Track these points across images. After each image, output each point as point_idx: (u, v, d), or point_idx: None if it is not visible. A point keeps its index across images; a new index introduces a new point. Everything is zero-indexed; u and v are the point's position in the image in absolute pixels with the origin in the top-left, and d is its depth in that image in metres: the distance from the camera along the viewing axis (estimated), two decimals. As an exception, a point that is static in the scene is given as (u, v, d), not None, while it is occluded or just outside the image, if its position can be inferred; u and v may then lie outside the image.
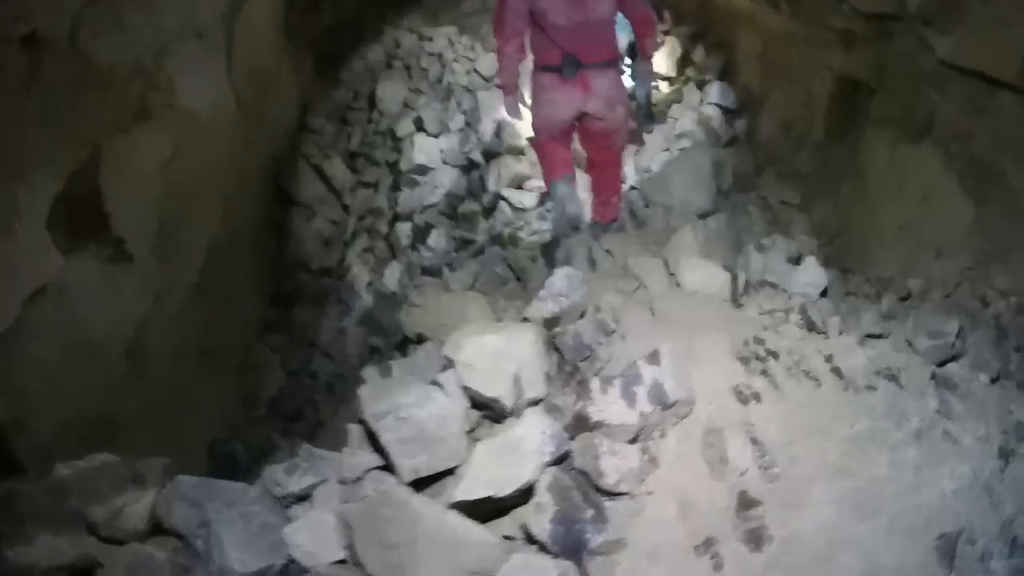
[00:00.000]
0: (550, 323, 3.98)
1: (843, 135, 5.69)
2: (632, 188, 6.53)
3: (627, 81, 5.94)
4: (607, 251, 5.26)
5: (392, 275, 7.14)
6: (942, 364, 3.81)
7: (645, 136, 7.16)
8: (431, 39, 9.32)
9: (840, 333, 4.08)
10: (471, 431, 3.35)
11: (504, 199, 6.97)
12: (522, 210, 6.85)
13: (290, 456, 3.38)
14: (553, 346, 3.85)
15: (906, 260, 4.69)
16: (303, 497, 3.04)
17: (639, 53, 5.60)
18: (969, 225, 4.29)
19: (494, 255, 6.22)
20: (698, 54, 7.83)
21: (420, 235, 7.31)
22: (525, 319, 3.97)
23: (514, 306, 4.96)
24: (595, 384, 3.55)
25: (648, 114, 7.25)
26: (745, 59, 7.35)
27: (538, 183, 6.60)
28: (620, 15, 5.17)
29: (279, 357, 6.69)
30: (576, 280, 4.21)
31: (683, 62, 7.98)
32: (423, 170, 7.77)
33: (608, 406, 3.40)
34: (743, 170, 6.55)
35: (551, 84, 5.10)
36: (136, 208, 4.38)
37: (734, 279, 4.60)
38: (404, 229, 7.53)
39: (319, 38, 8.75)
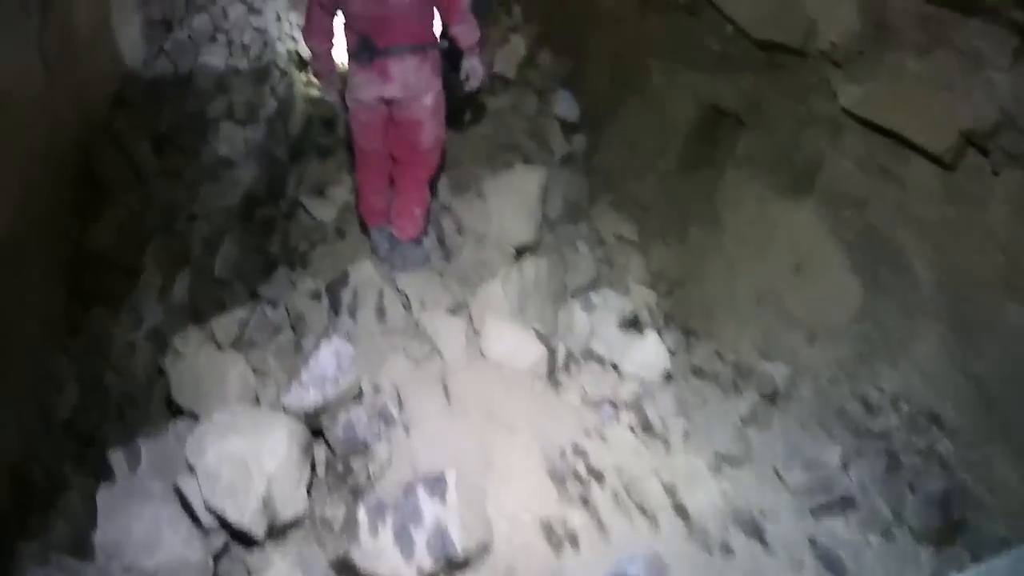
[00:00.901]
0: (312, 417, 3.58)
1: (698, 169, 4.94)
2: (443, 208, 5.42)
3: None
4: (403, 294, 4.60)
5: (182, 284, 6.09)
6: (820, 513, 3.04)
7: (462, 147, 6.05)
8: (260, 12, 8.41)
9: (686, 438, 3.17)
10: (217, 557, 3.04)
11: (304, 207, 5.86)
12: (321, 223, 5.71)
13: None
14: (320, 436, 3.53)
15: (766, 338, 3.95)
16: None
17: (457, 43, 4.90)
18: (855, 309, 3.60)
19: (272, 293, 5.34)
20: (544, 57, 6.71)
21: (213, 241, 6.20)
22: (284, 408, 3.56)
23: (283, 368, 4.45)
24: (363, 517, 3.07)
25: (469, 104, 6.21)
26: (595, 67, 6.27)
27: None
28: None
29: (75, 368, 5.74)
30: (346, 359, 3.75)
31: (526, 64, 6.82)
32: (227, 163, 6.63)
33: (378, 554, 2.93)
34: (575, 196, 5.60)
35: (353, 70, 4.77)
36: None
37: (552, 353, 3.99)
38: (201, 230, 6.42)
39: (149, -1, 7.74)
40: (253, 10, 8.42)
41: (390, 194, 5.19)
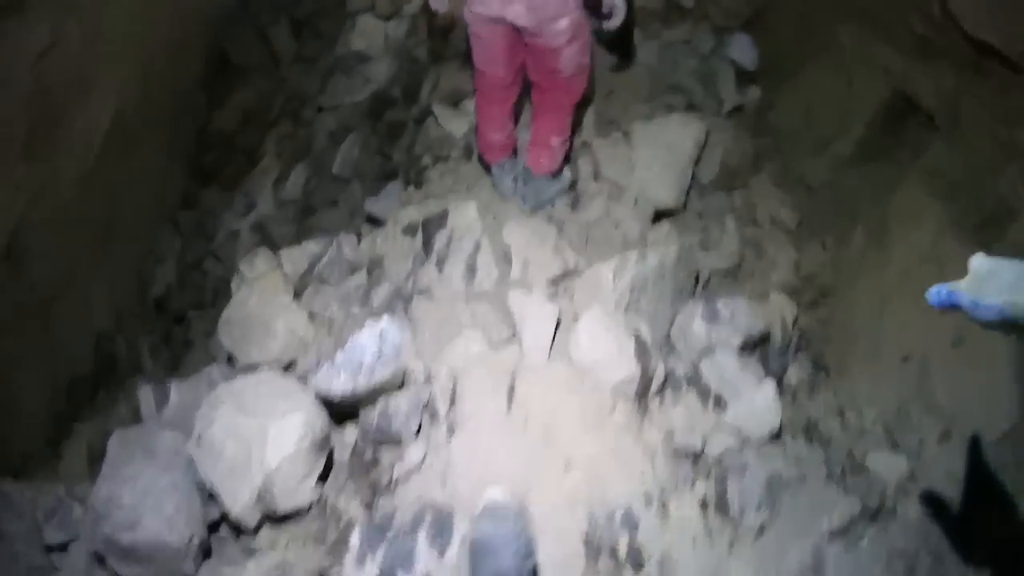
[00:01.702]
0: (339, 405, 3.11)
1: (877, 162, 4.10)
2: (583, 145, 4.58)
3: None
4: (506, 247, 3.82)
5: (298, 179, 5.66)
6: None
7: (620, 79, 5.14)
8: None
9: (758, 535, 2.43)
10: (200, 543, 2.76)
11: (434, 116, 5.15)
12: (450, 137, 4.95)
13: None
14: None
15: (899, 414, 2.98)
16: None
17: None
18: (1011, 416, 2.79)
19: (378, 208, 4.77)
20: None
21: (337, 136, 5.67)
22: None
23: (347, 318, 3.82)
24: (355, 541, 2.69)
25: (615, 47, 5.22)
26: (782, 13, 5.31)
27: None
28: None
29: (180, 244, 5.64)
30: (391, 347, 3.21)
31: None
32: (361, 57, 5.97)
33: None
34: (736, 160, 4.72)
35: None
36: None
37: (644, 372, 3.21)
38: (326, 123, 5.88)
39: None
40: None
41: (514, 128, 4.42)
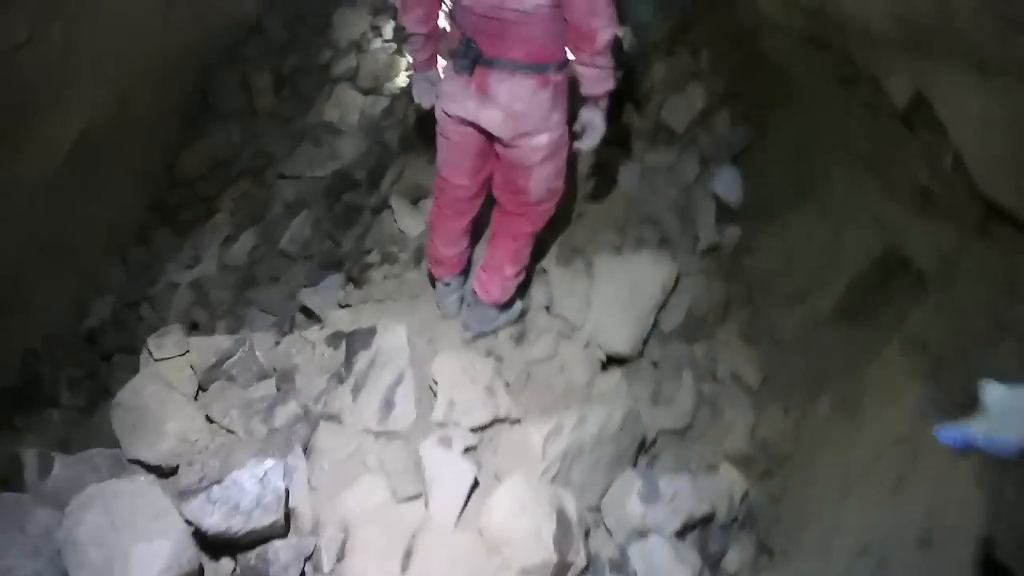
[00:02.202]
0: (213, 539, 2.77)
1: (856, 324, 3.71)
2: (539, 271, 4.16)
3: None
4: (432, 382, 3.42)
5: (246, 244, 5.31)
6: None
7: (593, 200, 4.72)
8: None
9: None
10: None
11: (391, 209, 4.75)
12: (403, 237, 4.54)
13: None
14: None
15: None
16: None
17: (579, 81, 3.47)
18: None
19: (314, 301, 4.39)
20: (721, 120, 5.26)
21: (292, 208, 5.28)
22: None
23: (244, 431, 3.37)
24: None
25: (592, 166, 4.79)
26: (774, 149, 4.91)
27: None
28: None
29: (124, 279, 5.38)
30: (272, 497, 2.82)
31: (699, 121, 5.33)
32: (332, 129, 5.57)
33: None
34: (704, 308, 4.28)
35: (448, 73, 3.55)
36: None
37: (561, 559, 2.86)
38: (285, 192, 5.53)
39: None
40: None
41: (469, 244, 4.00)
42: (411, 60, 3.82)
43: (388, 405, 3.29)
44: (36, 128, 4.05)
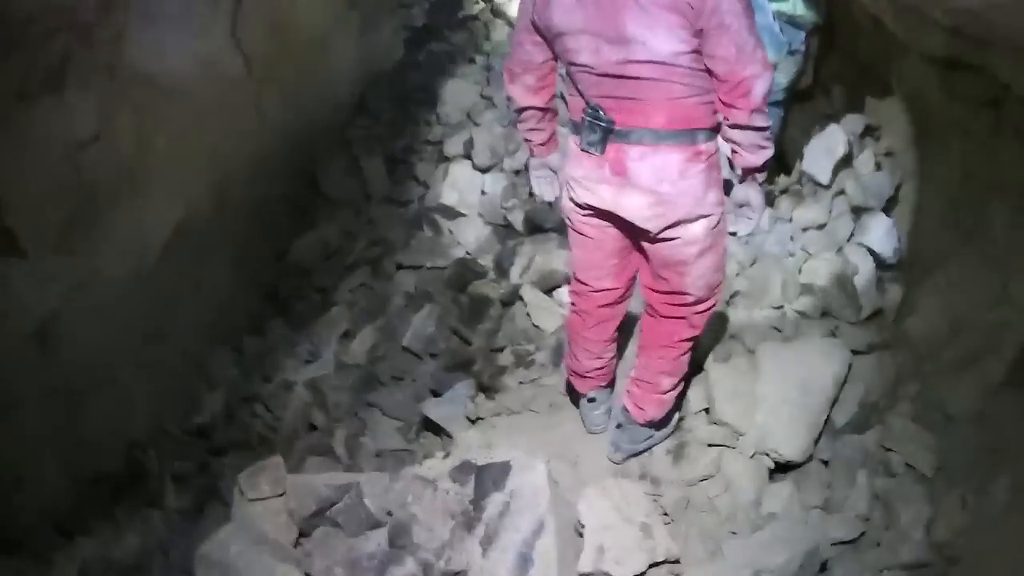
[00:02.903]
0: None
1: None
2: (698, 367, 3.67)
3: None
4: (577, 524, 2.98)
5: (365, 340, 4.77)
6: None
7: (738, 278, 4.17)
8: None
9: None
10: None
11: (523, 301, 4.32)
12: (539, 333, 4.08)
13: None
14: None
15: None
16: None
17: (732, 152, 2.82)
18: None
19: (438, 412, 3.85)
20: (864, 162, 4.66)
21: (414, 301, 4.84)
22: None
23: None
24: None
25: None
26: (925, 191, 4.33)
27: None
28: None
29: (237, 371, 4.88)
30: None
31: (843, 165, 4.71)
32: (450, 213, 5.13)
33: None
34: (875, 389, 3.69)
35: (573, 155, 2.87)
36: (33, 196, 3.46)
37: None
38: (405, 283, 5.07)
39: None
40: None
41: (616, 354, 3.45)
42: (525, 142, 3.20)
43: (525, 561, 2.78)
44: (113, 223, 3.85)
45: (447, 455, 3.42)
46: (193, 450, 4.49)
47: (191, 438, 4.57)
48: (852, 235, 4.39)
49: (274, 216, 5.51)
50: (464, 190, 5.18)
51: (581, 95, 2.74)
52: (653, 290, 3.08)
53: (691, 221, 2.77)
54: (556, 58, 2.83)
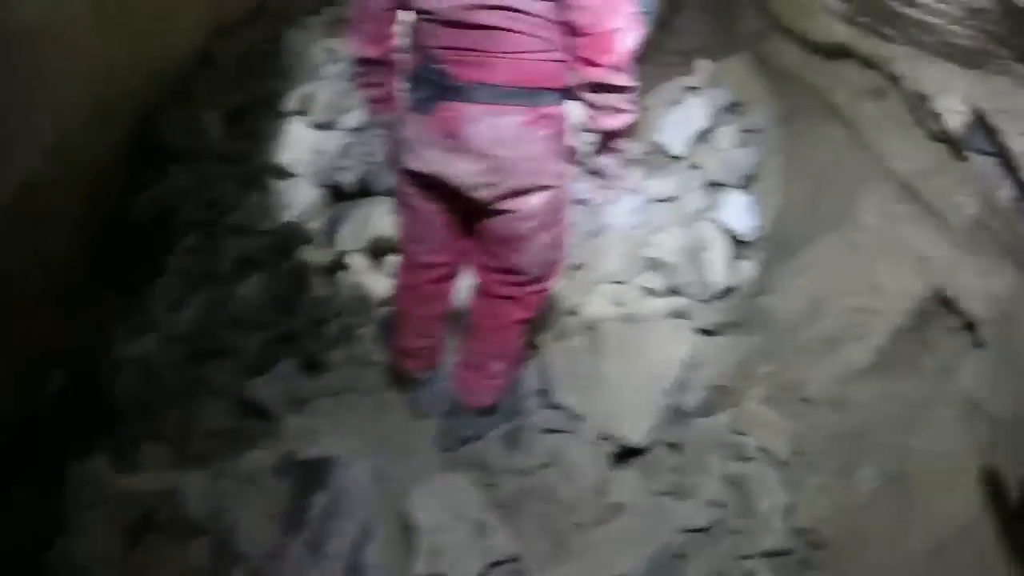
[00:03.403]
0: None
1: (898, 375, 3.16)
2: (532, 352, 3.37)
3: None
4: (410, 525, 2.63)
5: (195, 309, 4.32)
6: None
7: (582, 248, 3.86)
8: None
9: None
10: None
11: (349, 269, 3.97)
12: (365, 302, 3.65)
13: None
14: None
15: None
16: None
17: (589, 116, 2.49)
18: None
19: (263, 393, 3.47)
20: (726, 136, 4.38)
21: (242, 267, 4.41)
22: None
23: None
24: None
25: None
26: (795, 169, 4.11)
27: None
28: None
29: (74, 347, 4.32)
30: None
31: (701, 139, 4.44)
32: (282, 173, 4.75)
33: None
34: (725, 370, 3.44)
35: (405, 116, 2.54)
36: None
37: None
38: (234, 247, 4.59)
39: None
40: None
41: (443, 331, 3.12)
42: (363, 101, 2.84)
43: (356, 570, 2.41)
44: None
45: (271, 445, 3.06)
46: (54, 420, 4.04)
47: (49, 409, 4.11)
48: (706, 210, 4.11)
49: (115, 174, 5.00)
50: (298, 149, 4.73)
51: (419, 47, 2.43)
52: (485, 267, 2.79)
53: (529, 192, 2.48)
54: (397, 6, 2.48)
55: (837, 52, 3.71)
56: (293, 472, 2.74)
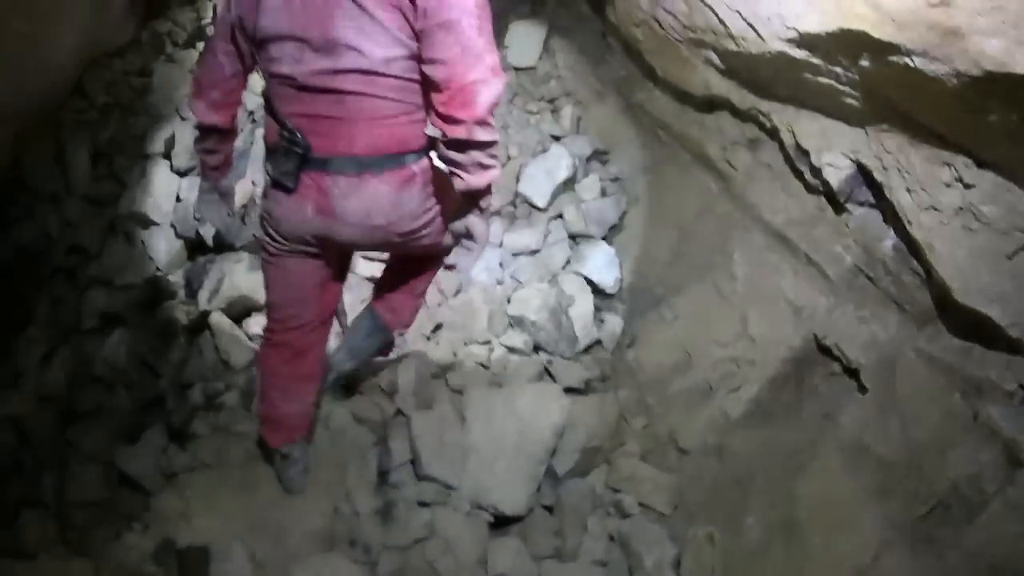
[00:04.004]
0: None
1: (775, 426, 3.12)
2: (397, 416, 3.32)
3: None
4: None
5: (63, 365, 4.07)
6: None
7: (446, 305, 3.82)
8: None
9: None
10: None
11: (211, 330, 3.76)
12: (229, 367, 3.62)
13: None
14: None
15: None
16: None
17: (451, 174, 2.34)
18: None
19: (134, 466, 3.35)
20: (590, 186, 4.35)
21: (106, 322, 4.17)
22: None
23: None
24: None
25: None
26: (659, 220, 4.12)
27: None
28: None
29: None
30: None
31: (565, 188, 4.35)
32: (144, 221, 4.49)
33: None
34: (598, 428, 3.38)
35: (269, 189, 2.43)
36: None
37: None
38: (97, 300, 4.31)
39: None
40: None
41: (317, 391, 3.02)
42: (198, 165, 2.77)
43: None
44: None
45: (146, 527, 2.93)
46: None
47: None
48: (568, 263, 4.09)
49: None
50: (160, 195, 4.48)
51: (276, 114, 2.30)
52: (394, 261, 3.00)
53: (413, 237, 2.48)
54: (247, 72, 2.43)
55: (713, 104, 3.66)
56: (172, 563, 2.67)
